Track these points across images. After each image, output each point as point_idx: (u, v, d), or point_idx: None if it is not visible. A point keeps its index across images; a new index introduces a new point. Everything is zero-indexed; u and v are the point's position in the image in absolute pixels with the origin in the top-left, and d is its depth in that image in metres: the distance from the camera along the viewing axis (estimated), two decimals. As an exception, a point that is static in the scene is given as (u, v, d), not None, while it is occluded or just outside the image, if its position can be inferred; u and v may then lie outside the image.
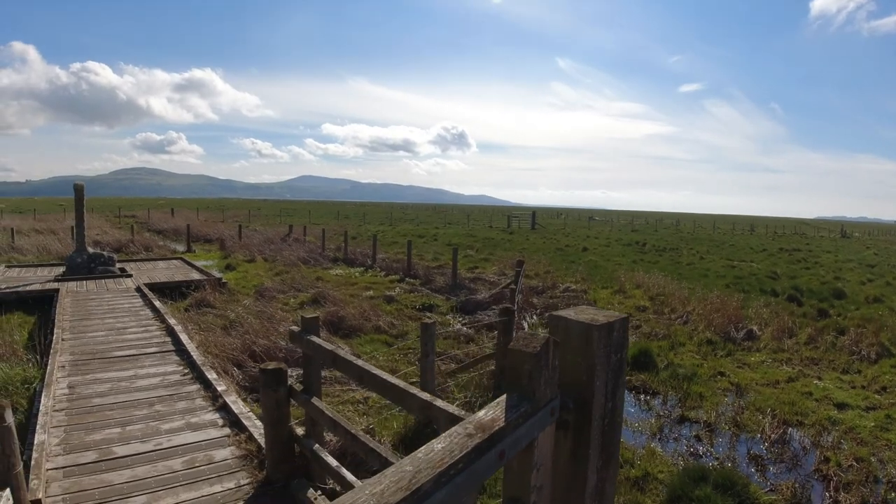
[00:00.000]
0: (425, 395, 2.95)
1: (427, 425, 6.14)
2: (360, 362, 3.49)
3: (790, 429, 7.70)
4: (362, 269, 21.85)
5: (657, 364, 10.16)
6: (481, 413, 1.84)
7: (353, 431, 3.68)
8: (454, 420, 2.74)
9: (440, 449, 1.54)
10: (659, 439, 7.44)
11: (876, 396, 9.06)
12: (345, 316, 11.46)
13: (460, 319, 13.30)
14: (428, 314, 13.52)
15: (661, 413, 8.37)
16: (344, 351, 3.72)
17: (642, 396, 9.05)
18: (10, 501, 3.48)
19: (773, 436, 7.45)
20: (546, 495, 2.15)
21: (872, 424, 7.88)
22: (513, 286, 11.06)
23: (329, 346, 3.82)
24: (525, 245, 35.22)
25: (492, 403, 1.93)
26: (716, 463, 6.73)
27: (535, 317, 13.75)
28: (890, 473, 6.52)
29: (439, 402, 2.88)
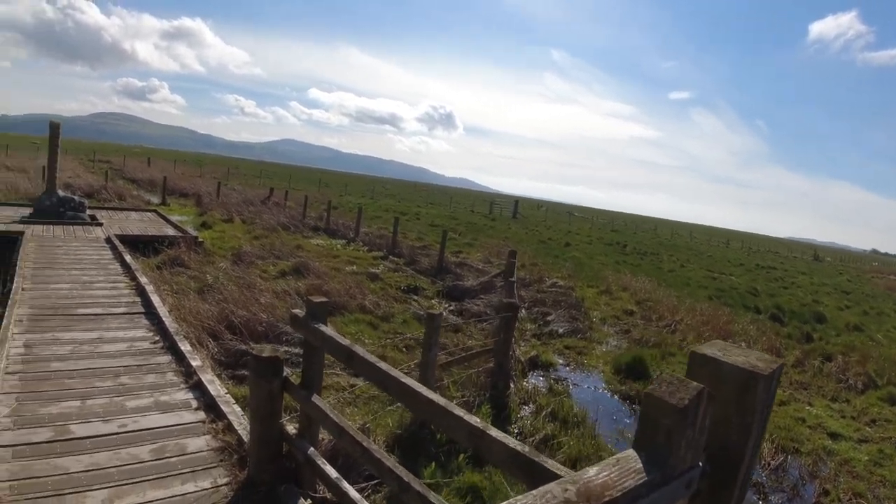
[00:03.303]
0: (475, 421, 2.37)
1: (423, 426, 5.59)
2: (383, 366, 2.89)
3: (788, 456, 7.46)
4: (344, 241, 21.13)
5: (651, 373, 9.77)
6: (592, 472, 1.29)
7: (364, 444, 3.08)
8: (514, 456, 2.17)
9: None
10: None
11: (867, 429, 8.90)
12: (329, 291, 10.81)
13: (447, 306, 12.75)
14: (414, 297, 12.93)
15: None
16: (362, 349, 3.11)
17: (637, 407, 8.65)
18: None
19: (772, 463, 7.22)
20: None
21: (866, 458, 7.70)
22: (510, 279, 10.51)
23: (344, 341, 3.20)
24: (508, 234, 34.77)
25: (608, 460, 1.37)
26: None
27: (523, 310, 13.26)
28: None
29: (493, 431, 2.30)
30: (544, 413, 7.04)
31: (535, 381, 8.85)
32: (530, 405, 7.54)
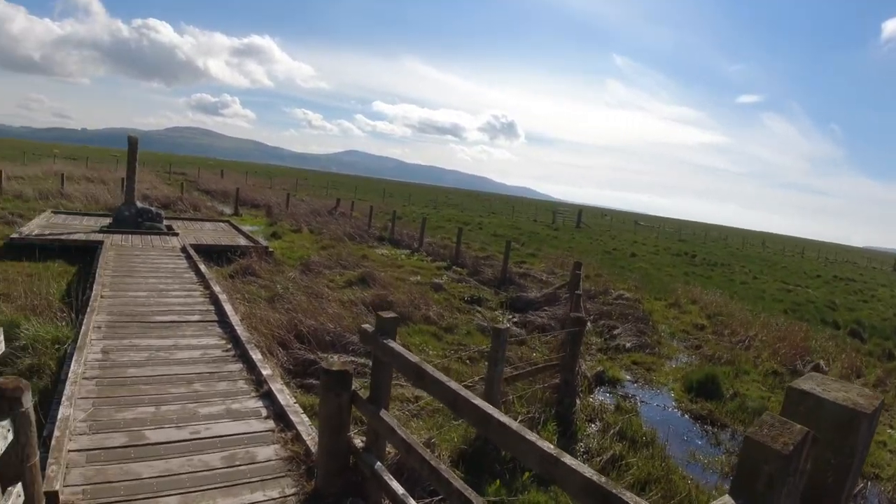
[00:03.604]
0: (548, 447, 2.29)
1: (488, 442, 5.50)
2: (454, 385, 2.84)
3: (867, 482, 7.00)
4: (408, 251, 21.28)
5: (723, 392, 9.37)
6: None
7: (433, 463, 3.03)
8: (589, 487, 2.08)
9: None
10: (730, 479, 6.70)
11: (951, 454, 8.24)
12: (393, 301, 10.87)
13: (510, 317, 12.62)
14: (477, 308, 12.85)
15: (731, 449, 7.62)
16: (432, 367, 3.07)
17: (709, 428, 8.30)
18: (22, 497, 2.93)
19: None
20: None
21: (951, 485, 7.11)
22: (576, 291, 10.29)
23: (414, 359, 3.17)
24: (571, 244, 34.26)
25: None
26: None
27: (589, 324, 12.98)
28: None
29: (567, 459, 2.21)
30: (612, 432, 6.82)
31: (602, 397, 8.62)
32: (597, 423, 7.32)
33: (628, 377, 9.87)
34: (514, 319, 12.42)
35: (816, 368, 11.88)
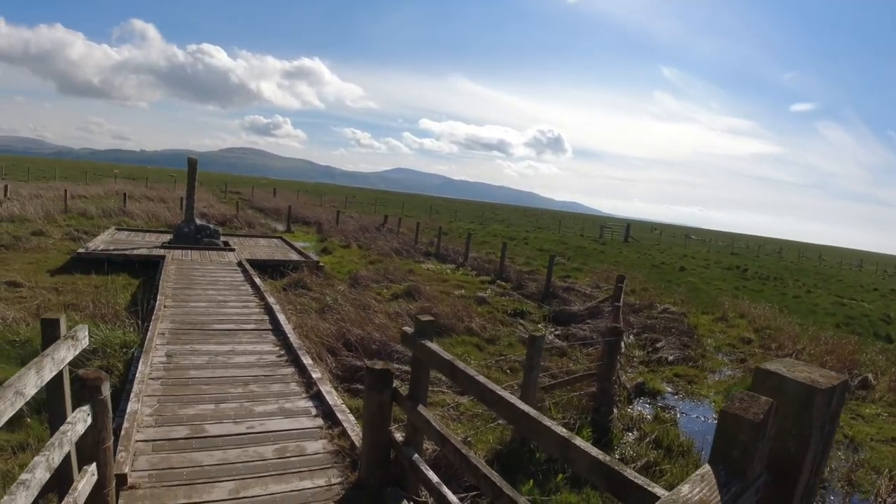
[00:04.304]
0: (562, 431, 2.58)
1: (523, 443, 5.77)
2: (482, 379, 3.15)
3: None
4: (454, 266, 21.65)
5: (766, 405, 9.34)
6: (685, 490, 1.46)
7: (463, 451, 3.34)
8: (597, 465, 2.36)
9: None
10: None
11: None
12: (438, 313, 11.21)
13: (552, 330, 12.80)
14: (520, 321, 13.09)
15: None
16: (463, 364, 3.39)
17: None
18: (95, 476, 3.36)
19: (888, 500, 6.68)
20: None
21: None
22: (616, 303, 10.45)
23: (447, 356, 3.50)
24: (618, 258, 34.04)
25: (693, 477, 1.55)
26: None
27: (631, 336, 13.05)
28: None
29: (579, 441, 2.49)
30: (648, 440, 6.97)
31: (641, 408, 8.73)
32: (634, 431, 7.48)
33: (669, 389, 9.94)
34: (557, 332, 12.59)
35: (864, 382, 11.68)
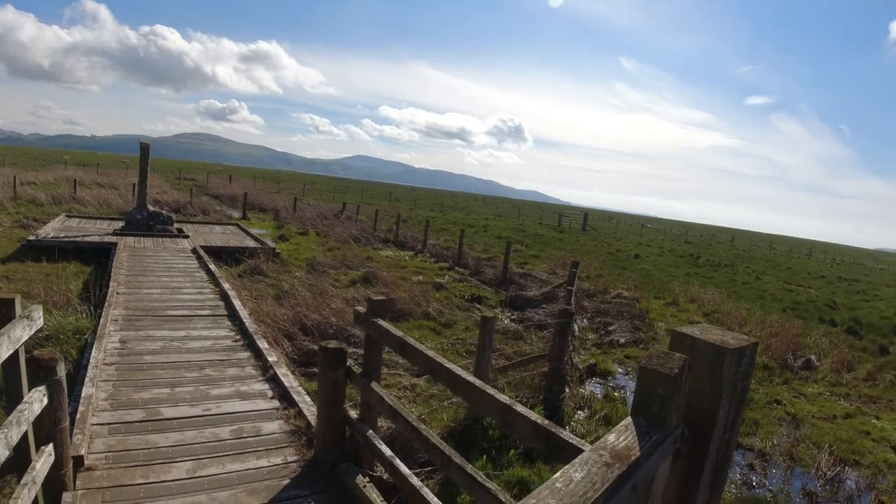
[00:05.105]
0: (504, 398, 2.72)
1: (476, 421, 5.94)
2: (431, 353, 3.28)
3: (846, 468, 7.33)
4: (412, 253, 21.75)
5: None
6: (612, 438, 1.60)
7: (413, 423, 3.48)
8: (536, 429, 2.50)
9: (580, 479, 1.32)
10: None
11: (934, 444, 8.57)
12: (395, 299, 11.32)
13: (509, 314, 13.05)
14: (477, 306, 13.29)
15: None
16: (413, 339, 3.51)
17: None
18: (53, 457, 3.39)
19: (828, 473, 7.10)
20: (654, 530, 1.92)
21: (929, 473, 7.44)
22: (569, 287, 10.72)
23: (398, 332, 3.62)
24: (576, 246, 34.62)
25: (619, 427, 1.70)
26: (770, 495, 6.41)
27: (585, 320, 13.38)
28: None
29: (519, 408, 2.64)
30: (597, 417, 7.24)
31: (593, 387, 9.03)
32: (585, 410, 7.74)
33: (620, 370, 10.27)
34: (513, 316, 12.84)
35: (808, 363, 12.25)
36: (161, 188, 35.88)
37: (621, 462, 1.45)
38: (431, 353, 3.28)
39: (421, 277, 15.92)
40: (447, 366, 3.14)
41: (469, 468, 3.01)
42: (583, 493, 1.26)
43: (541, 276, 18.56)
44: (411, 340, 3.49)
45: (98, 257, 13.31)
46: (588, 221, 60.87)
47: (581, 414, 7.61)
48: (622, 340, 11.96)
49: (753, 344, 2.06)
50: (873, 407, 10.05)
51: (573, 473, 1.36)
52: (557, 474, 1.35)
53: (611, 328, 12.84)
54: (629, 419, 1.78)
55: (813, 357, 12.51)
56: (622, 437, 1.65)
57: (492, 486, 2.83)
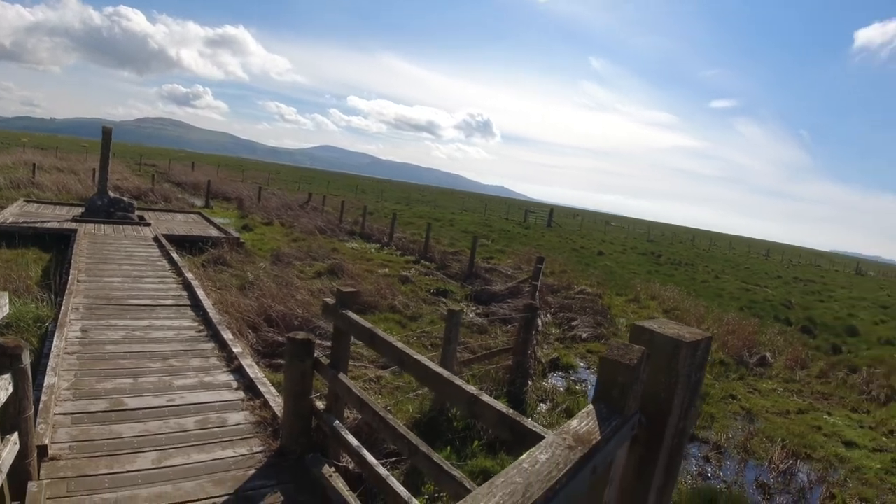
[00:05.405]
0: (471, 388, 2.80)
1: (442, 412, 6.02)
2: (400, 345, 3.34)
3: (798, 461, 7.62)
4: (378, 245, 21.74)
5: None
6: (574, 423, 1.70)
7: (381, 413, 3.54)
8: (501, 418, 2.59)
9: (545, 461, 1.41)
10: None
11: (884, 439, 8.97)
12: (361, 291, 11.34)
13: (474, 308, 13.16)
14: (443, 299, 13.37)
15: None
16: (382, 331, 3.57)
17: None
18: (17, 446, 3.35)
19: (781, 466, 7.39)
20: (612, 511, 2.03)
21: (879, 466, 7.79)
22: (533, 282, 10.88)
23: (367, 324, 3.67)
24: (541, 242, 34.98)
25: (580, 413, 1.79)
26: (724, 487, 6.64)
27: (549, 315, 13.59)
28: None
29: (486, 398, 2.73)
30: (559, 409, 7.40)
31: (555, 381, 9.20)
32: (547, 403, 7.90)
33: (582, 364, 10.48)
34: (478, 311, 12.96)
35: (762, 360, 12.66)
36: (122, 174, 35.04)
37: (583, 445, 1.54)
38: (400, 345, 3.35)
39: (387, 270, 15.94)
40: (416, 357, 3.21)
41: (436, 457, 3.08)
42: (547, 472, 1.35)
43: (506, 271, 18.74)
44: (380, 332, 3.55)
45: (58, 244, 13.01)
46: (553, 218, 61.50)
47: (543, 406, 7.76)
48: (584, 335, 12.19)
49: (707, 338, 2.18)
50: (825, 403, 10.45)
51: (538, 455, 1.45)
52: (524, 455, 1.44)
53: (574, 323, 13.06)
54: (591, 406, 1.87)
55: (768, 354, 12.94)
56: (584, 422, 1.74)
57: (457, 473, 2.91)
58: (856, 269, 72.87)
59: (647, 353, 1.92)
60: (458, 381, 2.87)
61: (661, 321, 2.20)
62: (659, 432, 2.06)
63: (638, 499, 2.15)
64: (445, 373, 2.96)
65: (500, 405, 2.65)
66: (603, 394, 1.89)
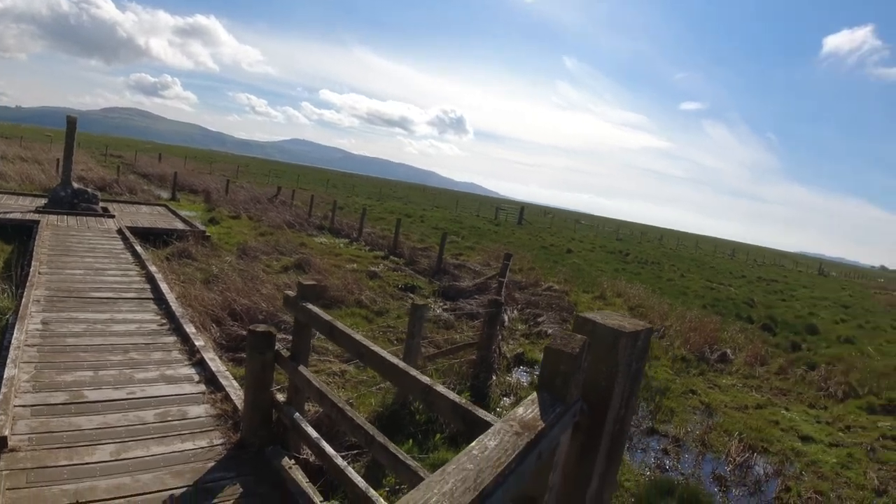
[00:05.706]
0: (426, 379, 2.87)
1: (404, 406, 6.09)
2: (359, 337, 3.40)
3: (755, 454, 7.80)
4: (347, 240, 21.68)
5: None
6: (520, 411, 1.78)
7: (339, 405, 3.59)
8: (455, 407, 2.66)
9: (494, 447, 1.49)
10: (628, 448, 7.47)
11: (840, 434, 9.20)
12: (328, 286, 11.34)
13: (441, 304, 13.24)
14: (410, 295, 13.42)
15: (633, 423, 8.42)
16: (342, 324, 3.62)
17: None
18: None
19: (738, 459, 7.56)
20: (555, 495, 2.13)
21: (834, 461, 7.99)
22: (500, 279, 11.00)
23: (327, 317, 3.72)
24: (511, 239, 35.21)
25: (526, 401, 1.88)
26: (682, 478, 6.80)
27: (515, 311, 13.73)
28: (847, 510, 6.64)
29: (440, 388, 2.80)
30: (522, 404, 7.51)
31: (519, 376, 9.33)
32: (511, 397, 8.02)
33: (546, 359, 10.61)
34: (445, 306, 13.03)
35: (723, 356, 12.97)
36: (86, 165, 34.32)
37: (529, 431, 1.62)
38: (359, 337, 3.40)
39: (355, 265, 15.93)
40: (374, 349, 3.26)
41: (392, 447, 3.15)
42: (496, 458, 1.43)
43: (475, 267, 18.85)
44: (340, 325, 3.60)
45: (19, 235, 12.77)
46: (524, 216, 61.89)
47: (507, 400, 7.87)
48: (550, 331, 12.33)
49: (648, 329, 2.28)
50: (783, 399, 10.73)
51: (487, 442, 1.53)
52: (474, 443, 1.52)
53: (540, 319, 13.22)
54: (535, 394, 1.96)
55: (729, 351, 13.24)
56: (529, 409, 1.82)
57: (412, 463, 2.98)
58: (819, 269, 74.73)
59: (589, 343, 2.01)
60: (414, 372, 2.93)
61: (605, 313, 2.30)
62: (600, 419, 2.16)
63: (581, 483, 2.24)
64: (402, 364, 3.03)
65: (454, 395, 2.72)
66: (547, 382, 1.97)
